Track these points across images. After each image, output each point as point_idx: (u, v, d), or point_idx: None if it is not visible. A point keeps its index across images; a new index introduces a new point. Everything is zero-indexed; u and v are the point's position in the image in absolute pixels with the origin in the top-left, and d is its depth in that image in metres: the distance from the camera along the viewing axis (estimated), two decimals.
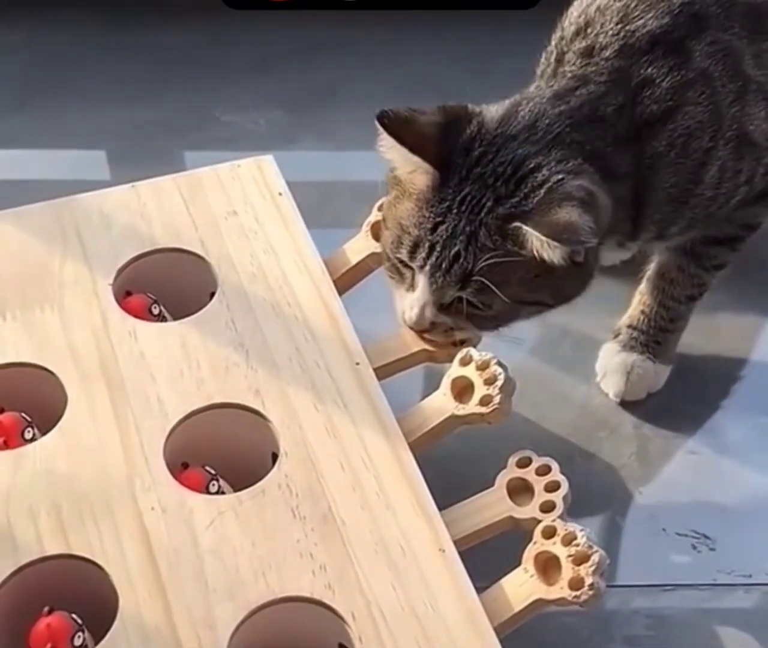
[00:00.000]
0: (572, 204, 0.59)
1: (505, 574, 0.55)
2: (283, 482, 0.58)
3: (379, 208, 0.70)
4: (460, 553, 0.55)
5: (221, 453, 0.61)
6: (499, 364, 0.61)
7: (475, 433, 0.62)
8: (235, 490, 0.59)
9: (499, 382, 0.60)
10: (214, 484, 0.59)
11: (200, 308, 0.66)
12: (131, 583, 0.54)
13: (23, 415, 0.62)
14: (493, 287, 0.60)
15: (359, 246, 0.70)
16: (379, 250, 0.68)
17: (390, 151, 0.63)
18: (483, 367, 0.61)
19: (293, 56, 0.97)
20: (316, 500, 0.57)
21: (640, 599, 0.65)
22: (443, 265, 0.61)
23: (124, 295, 0.68)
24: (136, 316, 0.66)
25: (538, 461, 0.59)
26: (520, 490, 0.59)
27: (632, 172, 0.63)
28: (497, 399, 0.60)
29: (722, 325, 0.80)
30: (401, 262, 0.64)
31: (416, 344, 0.66)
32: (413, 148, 0.62)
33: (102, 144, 0.94)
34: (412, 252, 0.62)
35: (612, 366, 0.75)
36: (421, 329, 0.64)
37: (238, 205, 0.72)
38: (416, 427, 0.61)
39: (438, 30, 0.68)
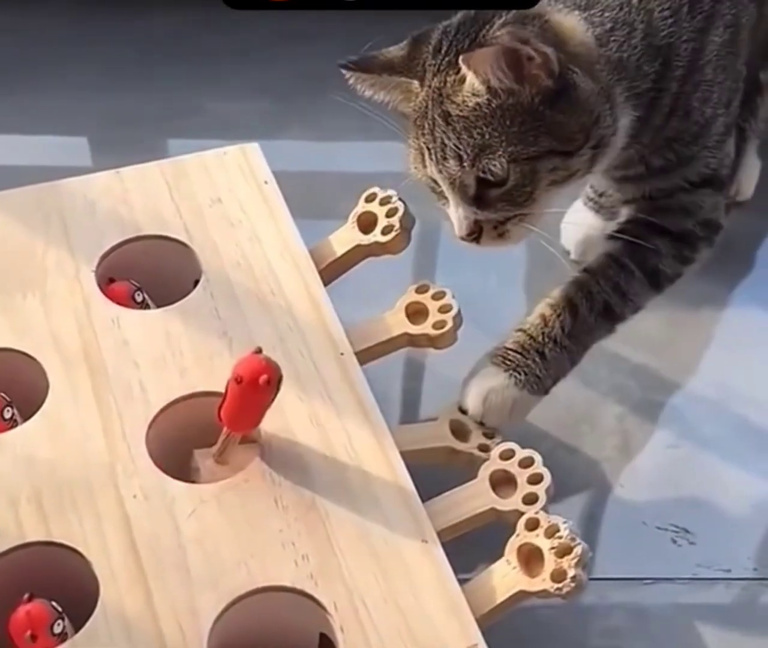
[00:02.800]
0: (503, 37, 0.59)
1: (488, 565, 0.56)
2: (266, 471, 0.58)
3: (366, 199, 0.71)
4: (443, 544, 0.56)
5: (205, 441, 0.61)
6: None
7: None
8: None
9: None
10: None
11: (184, 296, 0.66)
12: (112, 571, 0.54)
13: (2, 394, 0.62)
14: (490, 154, 0.61)
15: (345, 237, 0.70)
16: (365, 242, 0.69)
17: (368, 88, 0.65)
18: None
19: (280, 44, 0.97)
20: (300, 490, 0.57)
21: (620, 593, 0.65)
22: (440, 157, 0.63)
23: (107, 281, 0.67)
24: (119, 303, 0.66)
25: (521, 453, 0.60)
26: (503, 482, 0.59)
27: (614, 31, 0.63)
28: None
29: (702, 319, 0.81)
30: (429, 180, 0.65)
31: (397, 328, 0.67)
32: (384, 71, 0.64)
33: (84, 130, 0.93)
34: (423, 163, 0.65)
35: (473, 379, 0.68)
36: (472, 237, 0.64)
37: (223, 192, 0.72)
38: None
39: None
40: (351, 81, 0.65)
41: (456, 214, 0.65)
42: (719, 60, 0.67)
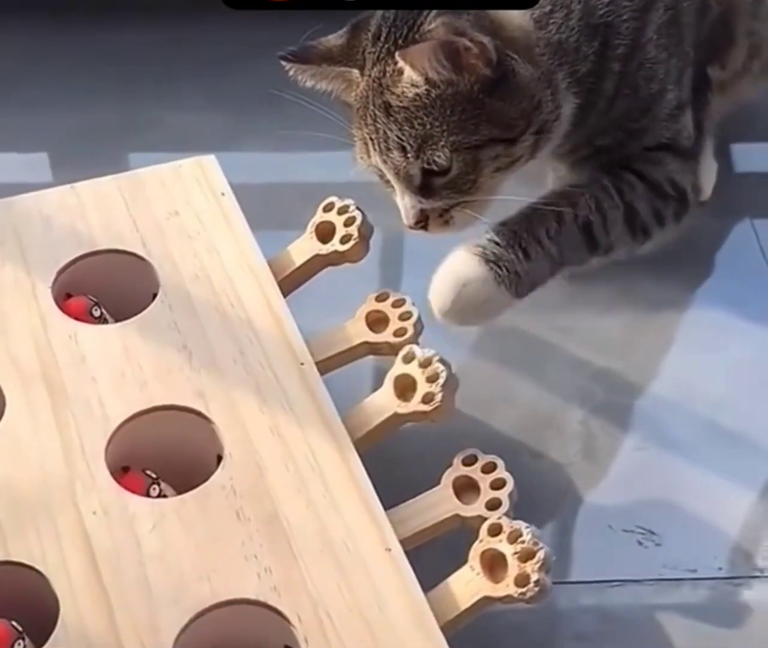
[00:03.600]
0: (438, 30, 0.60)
1: (452, 572, 0.57)
2: (227, 484, 0.59)
3: (324, 209, 0.72)
4: (406, 552, 0.57)
5: (165, 456, 0.62)
6: (442, 361, 0.63)
7: (421, 432, 0.64)
8: (180, 493, 0.59)
9: (441, 380, 0.62)
10: (154, 488, 0.60)
11: (142, 310, 0.67)
12: (72, 589, 0.54)
13: None
14: (433, 144, 0.62)
15: (304, 247, 0.72)
16: (324, 252, 0.70)
17: (309, 78, 0.66)
18: (425, 364, 0.63)
19: (239, 58, 0.98)
20: (261, 502, 0.58)
21: (588, 596, 0.67)
22: (384, 148, 0.64)
23: (64, 297, 0.68)
24: (76, 318, 0.67)
25: (483, 459, 0.61)
26: (466, 488, 0.61)
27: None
28: (439, 397, 0.62)
29: (663, 321, 0.82)
30: (375, 168, 0.66)
31: (358, 337, 0.68)
32: (323, 60, 0.65)
33: (44, 146, 0.94)
34: (367, 153, 0.66)
35: (445, 267, 0.65)
36: (420, 225, 0.65)
37: (180, 205, 0.73)
38: (359, 425, 0.63)
39: None
40: (291, 73, 0.67)
41: (402, 203, 0.67)
42: (660, 39, 0.68)
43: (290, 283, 0.71)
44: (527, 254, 0.65)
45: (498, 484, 0.60)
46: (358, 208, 0.71)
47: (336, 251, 0.70)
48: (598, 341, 0.79)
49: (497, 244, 0.65)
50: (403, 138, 0.64)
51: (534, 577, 0.55)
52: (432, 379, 0.62)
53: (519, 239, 0.65)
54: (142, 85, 0.98)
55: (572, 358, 0.78)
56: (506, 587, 0.56)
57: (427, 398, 0.62)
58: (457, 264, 0.65)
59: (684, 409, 0.77)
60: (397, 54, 0.63)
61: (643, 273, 0.76)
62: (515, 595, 0.56)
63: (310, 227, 0.72)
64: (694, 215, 0.80)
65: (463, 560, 0.57)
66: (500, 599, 0.56)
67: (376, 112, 0.65)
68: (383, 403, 0.64)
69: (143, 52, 1.01)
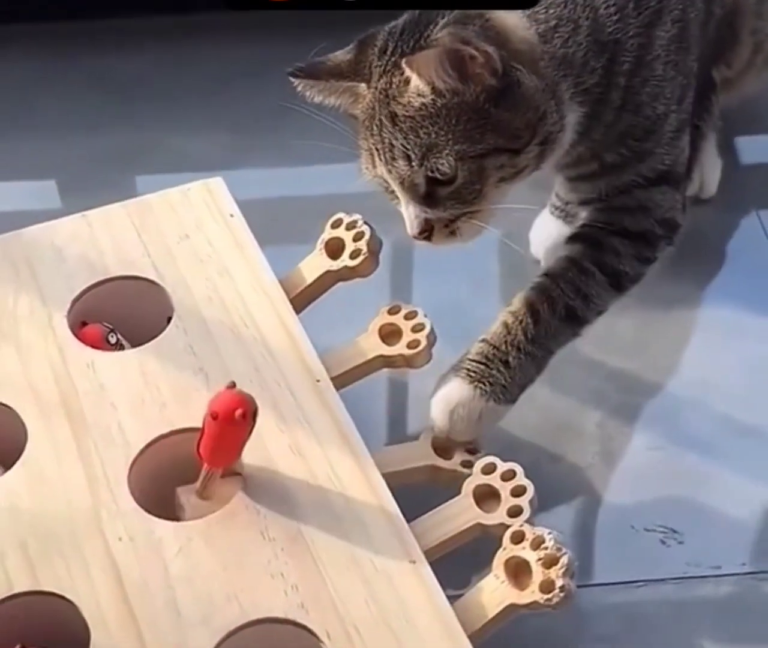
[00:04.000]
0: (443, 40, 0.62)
1: (477, 581, 0.58)
2: (250, 504, 0.60)
3: (332, 225, 0.73)
4: (430, 563, 0.58)
5: (187, 477, 0.63)
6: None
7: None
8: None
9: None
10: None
11: (158, 334, 0.69)
12: (102, 616, 0.55)
13: None
14: (437, 153, 0.63)
15: (314, 264, 0.73)
16: (334, 268, 0.72)
17: (317, 94, 0.67)
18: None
19: (241, 78, 1.00)
20: (285, 520, 0.59)
21: (613, 597, 0.68)
22: (389, 157, 0.66)
23: (80, 325, 0.70)
24: (93, 346, 0.68)
25: (502, 467, 0.62)
26: (487, 497, 0.62)
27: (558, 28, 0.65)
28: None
29: (675, 319, 0.83)
30: (380, 180, 0.68)
31: (372, 351, 0.69)
32: (331, 76, 0.67)
33: (52, 174, 0.96)
34: (373, 164, 0.67)
35: (438, 394, 0.68)
36: (424, 235, 0.67)
37: (190, 229, 0.74)
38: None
39: None
40: (300, 88, 0.68)
41: (407, 213, 0.68)
42: (668, 55, 0.69)
43: (302, 300, 0.72)
44: (508, 365, 0.68)
45: (518, 491, 0.61)
46: (366, 223, 0.73)
47: (346, 266, 0.72)
48: (611, 342, 0.80)
49: (479, 362, 0.68)
50: (408, 147, 0.65)
51: (559, 582, 0.56)
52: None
53: (499, 352, 0.68)
54: (146, 107, 1.00)
55: (586, 360, 0.79)
56: (532, 594, 0.57)
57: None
58: (446, 388, 0.68)
59: (700, 405, 0.78)
60: (403, 61, 0.64)
61: (654, 272, 0.76)
62: (541, 602, 0.57)
63: (320, 244, 0.73)
64: (700, 213, 0.81)
65: (485, 567, 0.58)
66: (526, 606, 0.57)
67: (382, 122, 0.66)
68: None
69: (146, 75, 1.03)
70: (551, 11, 0.66)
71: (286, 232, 0.87)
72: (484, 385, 0.67)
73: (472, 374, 0.68)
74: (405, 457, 0.66)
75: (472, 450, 0.67)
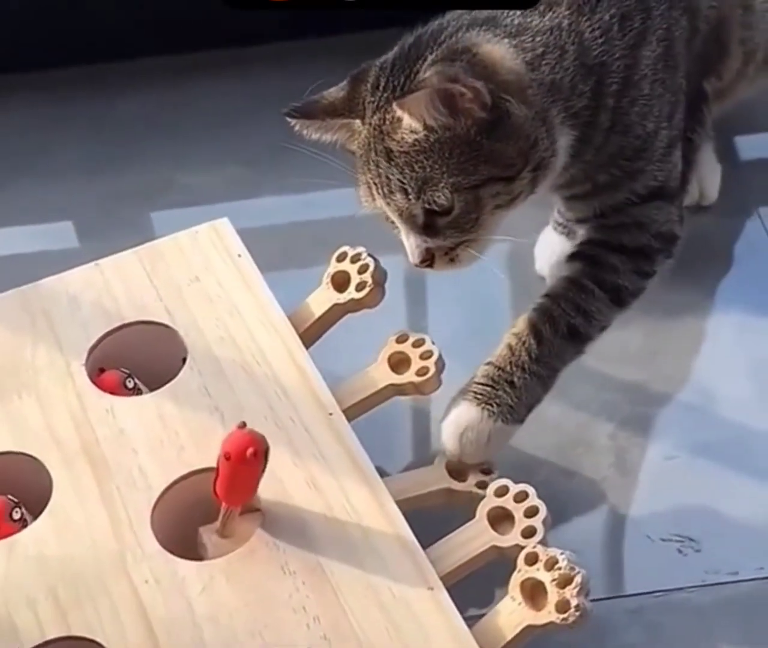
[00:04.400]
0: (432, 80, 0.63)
1: (493, 603, 0.59)
2: (269, 540, 0.62)
3: (337, 259, 0.75)
4: (447, 588, 0.60)
5: (208, 516, 0.65)
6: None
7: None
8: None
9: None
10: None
11: (173, 375, 0.71)
12: None
13: (10, 497, 0.66)
14: (433, 186, 0.65)
15: (322, 298, 0.75)
16: (341, 301, 0.74)
17: (313, 132, 0.69)
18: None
19: (246, 113, 1.02)
20: (304, 554, 0.61)
21: (633, 608, 0.69)
22: (387, 191, 0.68)
23: (97, 372, 0.72)
24: (111, 391, 0.71)
25: (515, 488, 0.64)
26: (500, 519, 0.63)
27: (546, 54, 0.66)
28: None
29: (682, 328, 0.84)
30: (380, 211, 0.69)
31: (383, 381, 0.71)
32: (326, 114, 0.68)
33: (68, 215, 0.99)
34: (372, 196, 0.69)
35: (448, 418, 0.70)
36: (425, 264, 0.69)
37: (199, 271, 0.77)
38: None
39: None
40: (296, 128, 0.70)
41: (408, 243, 0.70)
42: (655, 74, 0.71)
43: (311, 334, 0.74)
44: (513, 385, 0.69)
45: (531, 512, 0.63)
46: (370, 255, 0.75)
47: (353, 299, 0.74)
48: (619, 354, 0.81)
49: (485, 384, 0.70)
50: (405, 181, 0.67)
51: (574, 601, 0.58)
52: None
53: (504, 374, 0.70)
54: (154, 146, 1.03)
55: (596, 374, 0.80)
56: (548, 614, 0.58)
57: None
58: (455, 411, 0.70)
59: (711, 413, 0.79)
60: (394, 104, 0.66)
61: (659, 282, 0.77)
62: (557, 622, 0.58)
63: (326, 278, 0.75)
64: (703, 218, 0.82)
65: (497, 588, 0.60)
66: (543, 627, 0.59)
67: (378, 157, 0.68)
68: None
69: (151, 115, 1.06)
70: (537, 39, 0.67)
71: (296, 260, 0.90)
72: (492, 406, 0.69)
73: (479, 397, 0.69)
74: (420, 482, 0.68)
75: (486, 471, 0.69)
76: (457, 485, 0.68)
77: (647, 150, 0.71)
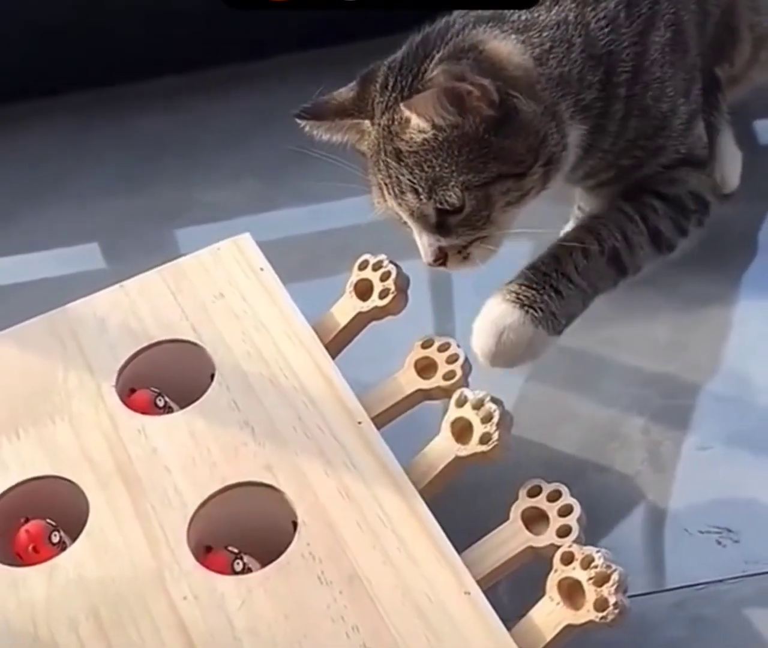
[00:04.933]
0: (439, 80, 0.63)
1: (530, 604, 0.60)
2: (305, 551, 0.63)
3: (359, 267, 0.76)
4: (484, 591, 0.60)
5: (242, 531, 0.66)
6: (494, 400, 0.66)
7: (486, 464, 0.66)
8: (261, 563, 0.64)
9: (496, 419, 0.65)
10: (238, 563, 0.65)
11: (202, 392, 0.72)
12: None
13: (48, 521, 0.68)
14: (444, 185, 0.65)
15: (345, 307, 0.75)
16: (365, 309, 0.74)
17: (324, 133, 0.70)
18: (478, 405, 0.66)
19: (259, 126, 1.04)
20: (340, 563, 0.62)
21: (674, 603, 0.69)
22: (398, 192, 0.68)
23: (128, 393, 0.73)
24: (142, 411, 0.72)
25: (548, 488, 0.64)
26: (535, 519, 0.64)
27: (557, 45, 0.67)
28: (495, 436, 0.65)
29: (710, 317, 0.84)
30: (392, 211, 0.70)
31: (410, 386, 0.71)
32: (336, 115, 0.69)
33: (94, 237, 1.01)
34: (383, 197, 0.70)
35: (485, 317, 0.68)
36: (439, 262, 0.69)
37: (223, 287, 0.77)
38: (423, 474, 0.66)
39: None
40: (307, 129, 0.71)
41: (421, 242, 0.70)
42: (664, 57, 0.71)
43: (337, 344, 0.75)
44: (559, 293, 0.68)
45: (565, 511, 0.63)
46: (391, 262, 0.75)
47: (376, 306, 0.74)
48: (648, 346, 0.81)
49: (529, 287, 0.68)
50: (415, 181, 0.67)
51: (612, 599, 0.58)
52: (486, 419, 0.66)
53: (550, 280, 0.68)
54: (173, 164, 1.04)
55: (625, 367, 0.80)
56: (587, 613, 0.59)
57: (484, 439, 0.66)
58: (494, 312, 0.68)
59: (743, 401, 0.78)
60: (401, 105, 0.66)
61: (684, 271, 0.77)
62: (596, 620, 0.58)
63: (349, 287, 0.76)
64: (726, 205, 0.81)
65: (532, 589, 0.59)
66: (582, 626, 0.59)
67: (388, 158, 0.68)
68: (443, 449, 0.67)
69: (168, 133, 1.07)
70: (545, 34, 0.68)
71: (318, 269, 0.91)
72: (536, 310, 0.67)
73: (523, 299, 0.67)
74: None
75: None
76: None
77: (666, 128, 0.71)
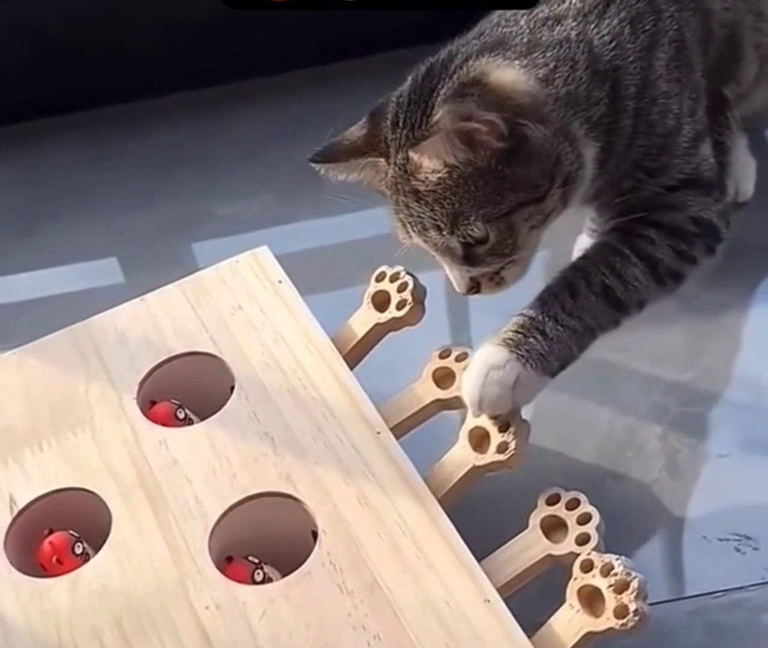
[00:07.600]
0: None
1: (548, 611, 0.60)
2: (326, 560, 0.64)
3: (377, 279, 0.77)
4: (504, 599, 0.61)
5: (263, 541, 0.67)
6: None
7: (505, 472, 0.67)
8: (282, 573, 0.65)
9: (513, 428, 0.66)
10: (258, 573, 0.66)
11: (222, 404, 0.73)
12: None
13: (71, 532, 0.69)
14: (465, 220, 0.66)
15: (363, 318, 0.76)
16: (383, 320, 0.75)
17: (339, 173, 0.70)
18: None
19: (275, 139, 1.05)
20: (360, 572, 0.63)
21: (693, 610, 0.69)
22: (420, 229, 0.68)
23: (149, 405, 0.75)
24: (163, 423, 0.73)
25: (566, 496, 0.65)
26: (554, 527, 0.64)
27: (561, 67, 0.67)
28: (513, 445, 0.66)
29: (726, 325, 0.85)
30: (419, 246, 0.70)
31: (428, 397, 0.72)
32: (350, 155, 0.69)
33: (112, 251, 1.03)
34: (407, 233, 0.70)
35: (471, 362, 0.68)
36: (473, 291, 0.70)
37: (242, 299, 0.79)
38: (442, 483, 0.67)
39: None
40: (322, 172, 0.71)
41: (452, 275, 0.71)
42: (670, 73, 0.71)
43: (355, 354, 0.76)
44: (545, 334, 0.68)
45: (584, 519, 0.64)
46: (408, 273, 0.76)
47: (394, 317, 0.75)
48: (664, 355, 0.82)
49: (516, 332, 0.69)
50: (436, 218, 0.67)
51: (632, 606, 0.59)
52: (504, 428, 0.67)
53: (535, 323, 0.68)
54: (190, 178, 1.06)
55: (642, 376, 0.81)
56: (607, 620, 0.59)
57: (501, 448, 0.67)
58: (482, 355, 0.69)
59: (759, 407, 0.79)
60: (410, 152, 0.67)
61: (699, 280, 0.77)
62: (617, 627, 0.59)
63: (366, 298, 0.77)
64: (740, 214, 0.81)
65: (551, 596, 0.60)
66: (603, 633, 0.59)
67: (407, 198, 0.69)
68: (461, 458, 0.68)
69: (186, 148, 1.09)
70: (548, 54, 0.68)
71: (336, 281, 0.92)
72: (521, 350, 0.67)
73: (509, 342, 0.68)
74: (450, 471, 0.66)
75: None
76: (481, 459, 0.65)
77: (670, 145, 0.71)
